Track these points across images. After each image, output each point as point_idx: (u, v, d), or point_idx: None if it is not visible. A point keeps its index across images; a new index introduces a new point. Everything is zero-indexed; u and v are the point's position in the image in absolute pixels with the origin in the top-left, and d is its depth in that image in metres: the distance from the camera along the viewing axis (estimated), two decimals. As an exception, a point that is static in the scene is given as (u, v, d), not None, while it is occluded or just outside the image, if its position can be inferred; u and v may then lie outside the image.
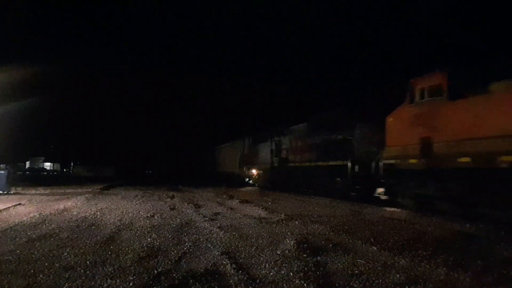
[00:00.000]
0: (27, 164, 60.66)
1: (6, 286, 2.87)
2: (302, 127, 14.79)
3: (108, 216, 6.65)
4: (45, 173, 52.79)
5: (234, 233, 5.14)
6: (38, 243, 4.30)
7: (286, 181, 15.52)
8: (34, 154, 61.94)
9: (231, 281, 3.04)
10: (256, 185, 19.35)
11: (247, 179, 20.97)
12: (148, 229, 5.39)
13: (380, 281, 3.09)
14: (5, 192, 11.54)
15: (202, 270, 3.31)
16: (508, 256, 4.03)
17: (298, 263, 3.57)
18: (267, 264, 3.56)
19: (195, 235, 4.95)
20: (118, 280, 3.00)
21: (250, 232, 5.27)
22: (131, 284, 2.94)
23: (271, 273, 3.27)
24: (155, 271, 3.26)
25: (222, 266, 3.46)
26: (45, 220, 6.08)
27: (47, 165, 63.98)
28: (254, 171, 19.62)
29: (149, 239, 4.68)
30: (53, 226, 5.53)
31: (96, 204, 8.70)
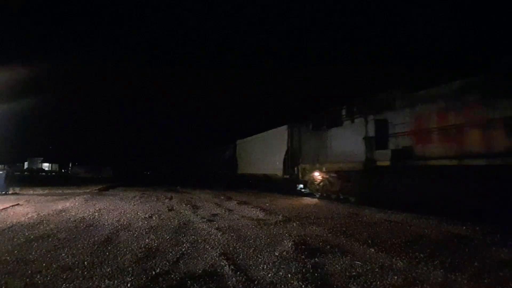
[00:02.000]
0: (26, 164, 60.59)
1: (4, 287, 2.87)
2: (458, 87, 7.33)
3: (106, 217, 6.65)
4: (44, 173, 52.67)
5: (232, 234, 5.15)
6: (36, 244, 4.30)
7: (418, 195, 7.81)
8: (32, 154, 61.93)
9: (229, 282, 3.04)
10: (318, 195, 12.30)
11: (301, 187, 13.99)
12: (146, 230, 5.39)
13: (378, 283, 3.10)
14: (3, 193, 11.53)
15: (200, 271, 3.32)
16: (505, 258, 4.04)
17: (296, 265, 3.58)
18: (265, 265, 3.57)
19: (193, 236, 4.95)
20: (116, 281, 3.00)
21: (248, 233, 5.27)
22: (129, 285, 2.94)
23: (269, 275, 3.27)
24: (153, 272, 3.27)
25: (220, 267, 3.46)
26: (43, 220, 6.07)
27: (46, 166, 63.90)
28: (317, 175, 12.15)
29: (147, 240, 4.68)
30: (51, 226, 5.52)
31: (94, 205, 8.68)
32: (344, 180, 10.83)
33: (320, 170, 11.99)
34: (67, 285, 2.90)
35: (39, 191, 13.41)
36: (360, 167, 9.75)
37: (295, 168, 13.66)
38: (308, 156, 12.83)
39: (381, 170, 9.07)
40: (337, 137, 11.08)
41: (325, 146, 11.64)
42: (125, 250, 4.09)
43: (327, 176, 11.70)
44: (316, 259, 3.82)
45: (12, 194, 11.70)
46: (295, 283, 3.04)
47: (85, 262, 3.53)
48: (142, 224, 5.90)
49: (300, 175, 13.28)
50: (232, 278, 3.13)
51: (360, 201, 9.97)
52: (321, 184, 12.10)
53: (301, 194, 13.74)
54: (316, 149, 12.19)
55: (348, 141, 10.42)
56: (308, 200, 11.46)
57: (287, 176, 14.19)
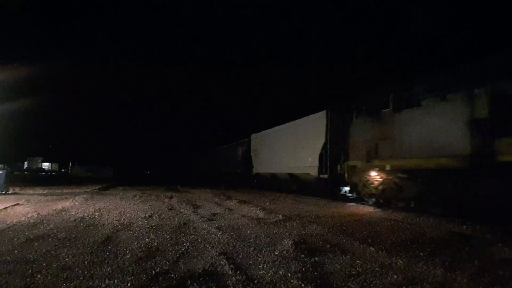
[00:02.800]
0: (25, 164, 60.59)
1: (4, 287, 2.87)
2: None
3: (106, 217, 6.65)
4: (43, 173, 52.65)
5: (232, 233, 5.15)
6: (36, 243, 4.29)
7: None
8: (32, 154, 61.94)
9: (229, 281, 3.04)
10: (371, 202, 9.67)
11: (345, 190, 11.38)
12: (146, 229, 5.39)
13: (378, 281, 3.10)
14: (3, 192, 11.52)
15: (200, 271, 3.32)
16: (505, 257, 4.05)
17: (296, 264, 3.58)
18: (265, 264, 3.57)
19: (193, 236, 4.95)
20: (116, 281, 3.00)
21: (248, 232, 5.27)
22: (129, 284, 2.94)
23: (269, 274, 3.27)
24: (153, 272, 3.27)
25: (220, 267, 3.46)
26: (43, 220, 6.07)
27: (45, 165, 63.88)
28: (374, 175, 9.29)
29: (147, 239, 4.68)
30: (51, 226, 5.52)
31: (94, 205, 8.68)
32: (423, 182, 7.71)
33: (381, 169, 8.85)
34: (68, 284, 2.90)
35: (39, 190, 13.40)
36: (461, 164, 6.67)
37: (338, 166, 10.68)
38: (359, 150, 9.59)
39: (504, 169, 6.05)
40: (413, 123, 7.86)
41: (389, 135, 8.47)
42: (125, 249, 4.09)
43: (392, 177, 8.60)
44: (316, 258, 3.82)
45: (12, 194, 11.70)
46: (294, 282, 3.04)
47: (85, 262, 3.53)
48: (142, 224, 5.90)
49: (346, 175, 10.24)
50: (232, 277, 3.13)
51: (452, 213, 7.09)
52: (380, 187, 9.08)
53: (344, 199, 11.06)
54: (373, 140, 9.02)
55: (432, 127, 7.32)
56: (356, 209, 8.78)
57: (325, 176, 11.38)
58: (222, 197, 11.85)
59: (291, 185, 14.28)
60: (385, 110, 8.75)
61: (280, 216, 6.93)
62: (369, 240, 4.75)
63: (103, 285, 2.91)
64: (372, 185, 9.36)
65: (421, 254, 4.04)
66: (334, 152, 11.20)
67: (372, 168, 9.17)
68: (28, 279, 3.00)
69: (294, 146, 13.80)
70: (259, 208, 8.34)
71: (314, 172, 12.03)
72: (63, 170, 60.03)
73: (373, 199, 9.50)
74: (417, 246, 4.43)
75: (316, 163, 11.85)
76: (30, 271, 3.21)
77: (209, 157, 30.24)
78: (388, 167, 8.54)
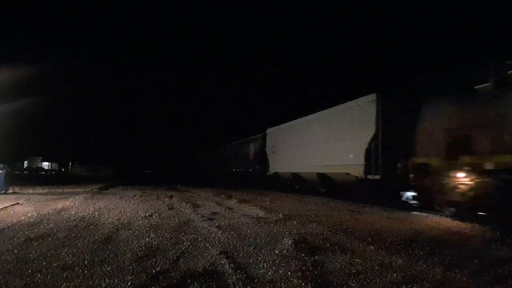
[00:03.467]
0: (25, 163, 60.69)
1: (4, 286, 2.87)
2: None
3: (106, 216, 6.65)
4: (43, 172, 52.73)
5: (232, 232, 5.15)
6: (36, 243, 4.30)
7: None
8: (32, 153, 62.02)
9: (229, 280, 3.05)
10: (448, 212, 7.15)
11: (408, 196, 8.58)
12: (147, 228, 5.40)
13: (378, 280, 3.10)
14: (3, 192, 11.52)
15: (200, 270, 3.32)
16: (504, 255, 4.06)
17: (296, 263, 3.59)
18: (265, 263, 3.57)
19: (193, 235, 4.96)
20: (116, 280, 3.01)
21: (248, 231, 5.28)
22: (129, 283, 2.94)
23: (269, 273, 3.28)
24: (154, 271, 3.27)
25: (220, 266, 3.46)
26: (43, 219, 6.07)
27: (45, 165, 63.99)
28: (462, 176, 6.65)
29: (147, 238, 4.68)
30: (51, 225, 5.52)
31: (94, 204, 8.69)
32: None
33: (474, 168, 6.43)
34: (68, 284, 2.90)
35: (39, 190, 13.40)
36: None
37: (398, 164, 8.37)
38: (433, 143, 7.30)
39: None
40: None
41: (491, 122, 6.23)
42: (125, 249, 4.10)
43: (491, 179, 6.15)
44: (316, 257, 3.83)
45: (12, 193, 11.70)
46: (295, 281, 3.05)
47: (85, 261, 3.53)
48: (142, 223, 5.90)
49: (411, 176, 7.87)
50: (232, 276, 3.14)
51: None
52: (470, 193, 6.52)
53: (408, 207, 8.45)
54: (460, 129, 6.75)
55: None
56: (441, 224, 6.27)
57: (376, 177, 8.99)
58: (223, 196, 11.86)
59: (320, 187, 12.22)
60: (481, 86, 6.48)
61: (280, 215, 6.93)
62: (369, 239, 4.76)
63: (103, 285, 2.91)
64: (457, 190, 6.76)
65: (421, 253, 4.04)
66: (389, 147, 8.78)
67: (457, 167, 6.76)
68: (28, 279, 3.00)
69: (327, 141, 11.46)
70: (259, 207, 8.34)
71: (357, 171, 9.63)
72: (63, 169, 60.09)
73: (452, 209, 7.06)
74: (416, 245, 4.43)
75: (362, 160, 9.46)
76: (30, 271, 3.20)
77: (212, 156, 29.31)
78: (489, 166, 6.16)
